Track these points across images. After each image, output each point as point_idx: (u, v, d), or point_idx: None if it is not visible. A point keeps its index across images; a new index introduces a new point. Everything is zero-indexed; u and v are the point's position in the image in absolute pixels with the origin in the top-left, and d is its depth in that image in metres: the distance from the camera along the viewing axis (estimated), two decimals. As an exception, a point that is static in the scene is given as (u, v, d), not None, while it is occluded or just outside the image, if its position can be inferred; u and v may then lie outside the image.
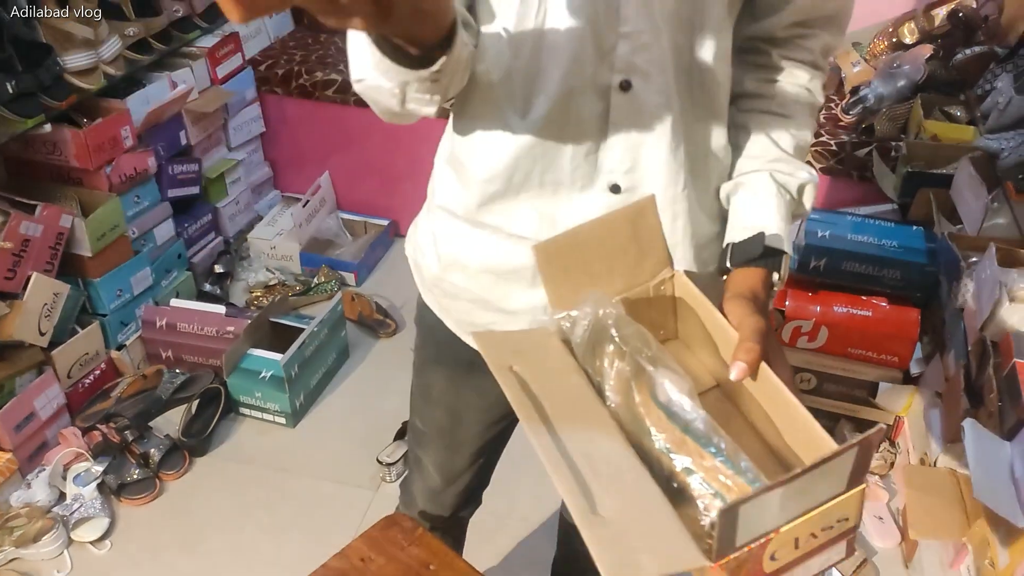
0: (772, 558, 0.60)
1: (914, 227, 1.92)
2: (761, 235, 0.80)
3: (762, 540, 0.58)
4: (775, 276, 0.81)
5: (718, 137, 0.85)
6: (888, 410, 1.88)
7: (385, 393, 2.13)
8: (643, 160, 0.81)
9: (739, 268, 0.80)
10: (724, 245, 0.84)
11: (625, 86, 0.77)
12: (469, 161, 0.85)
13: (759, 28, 0.85)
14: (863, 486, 0.61)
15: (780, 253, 0.81)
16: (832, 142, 2.13)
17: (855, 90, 2.19)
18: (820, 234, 1.91)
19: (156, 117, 2.14)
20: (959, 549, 1.43)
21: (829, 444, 0.62)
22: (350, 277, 2.49)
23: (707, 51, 0.78)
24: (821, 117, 2.23)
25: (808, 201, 0.88)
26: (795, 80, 0.87)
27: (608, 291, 0.73)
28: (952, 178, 1.86)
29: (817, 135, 2.15)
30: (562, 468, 0.60)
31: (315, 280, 2.43)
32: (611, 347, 0.68)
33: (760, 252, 0.80)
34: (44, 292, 1.82)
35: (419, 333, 1.06)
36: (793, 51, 0.86)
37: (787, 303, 1.89)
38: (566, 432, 0.63)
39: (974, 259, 1.61)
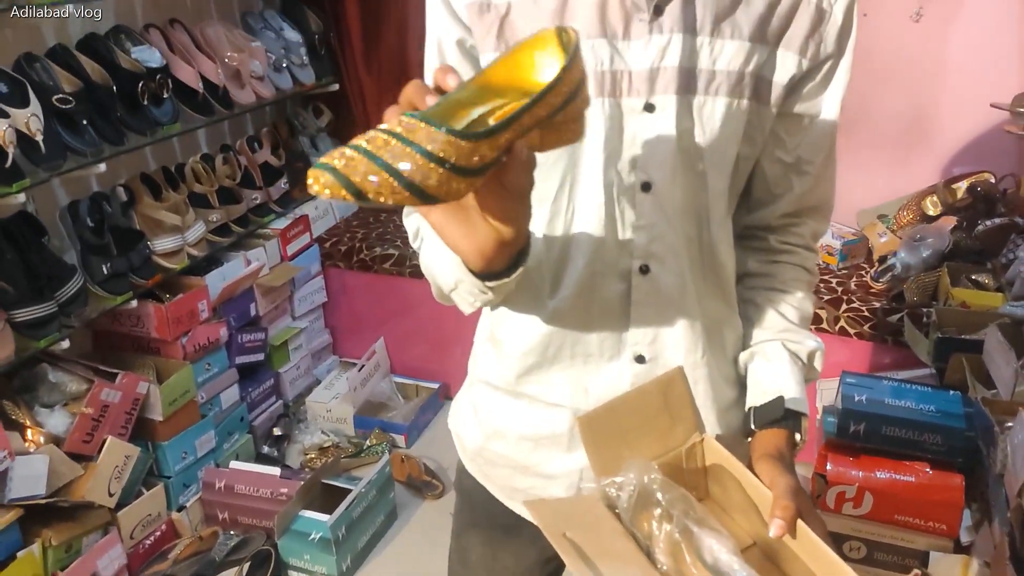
0: None
1: (951, 392, 1.94)
2: (781, 399, 0.88)
3: None
4: (797, 436, 0.87)
5: (729, 310, 0.96)
6: (942, 581, 1.82)
7: (431, 556, 2.14)
8: (664, 333, 0.90)
9: (763, 430, 0.87)
10: (746, 409, 0.92)
11: (644, 270, 0.87)
12: (506, 338, 0.95)
13: (755, 218, 0.97)
14: None
15: (800, 415, 0.88)
16: (864, 308, 2.20)
17: (883, 259, 2.29)
18: (858, 398, 1.94)
19: (230, 291, 2.35)
20: None
21: None
22: (400, 439, 2.58)
23: (714, 239, 0.90)
24: (852, 284, 2.31)
25: (818, 365, 0.96)
26: (792, 260, 0.98)
27: (645, 457, 0.80)
28: (983, 343, 1.90)
29: (849, 301, 2.23)
30: None
31: (367, 442, 2.52)
32: (658, 511, 0.73)
33: (782, 414, 0.87)
34: (117, 455, 1.95)
35: (458, 498, 1.12)
36: (787, 236, 0.98)
37: (828, 468, 1.89)
38: None
39: (1009, 424, 1.63)
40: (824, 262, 2.46)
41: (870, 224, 2.43)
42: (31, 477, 1.76)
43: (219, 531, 2.15)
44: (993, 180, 2.28)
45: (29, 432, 1.81)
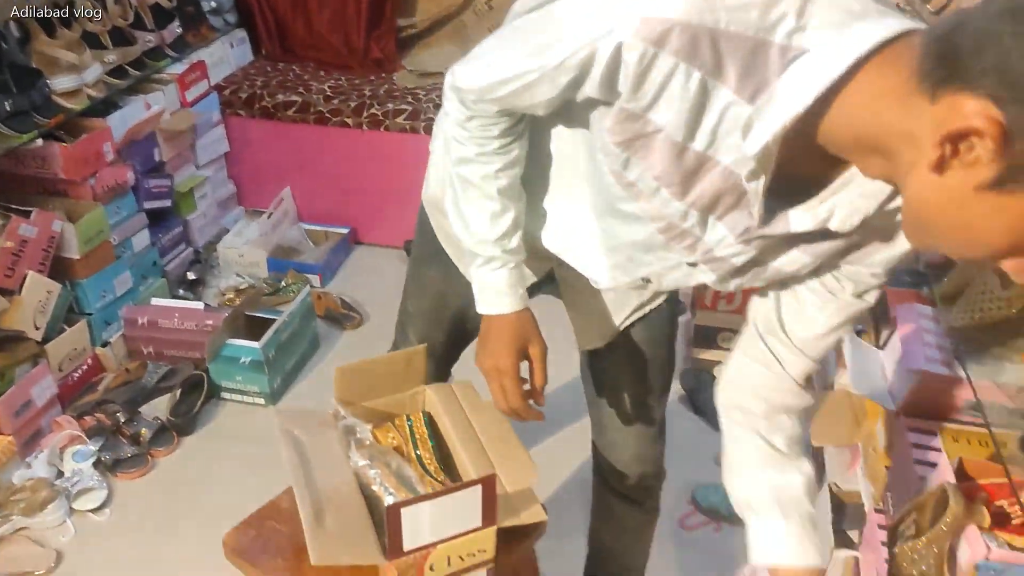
0: (431, 568, 0.91)
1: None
2: None
3: (423, 551, 0.88)
4: None
5: None
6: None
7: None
8: None
9: None
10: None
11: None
12: None
13: None
14: (494, 527, 0.91)
15: None
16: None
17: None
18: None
19: (133, 135, 2.35)
20: (854, 453, 1.70)
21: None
22: (315, 279, 2.69)
23: None
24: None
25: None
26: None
27: (381, 394, 1.10)
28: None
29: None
30: (305, 497, 0.92)
31: (283, 283, 2.63)
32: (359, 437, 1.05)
33: None
34: (39, 289, 1.99)
35: (419, 233, 1.25)
36: None
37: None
38: (320, 476, 0.96)
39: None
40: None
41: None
42: (-43, 307, 1.79)
43: (147, 363, 2.24)
44: None
45: (-51, 264, 1.82)
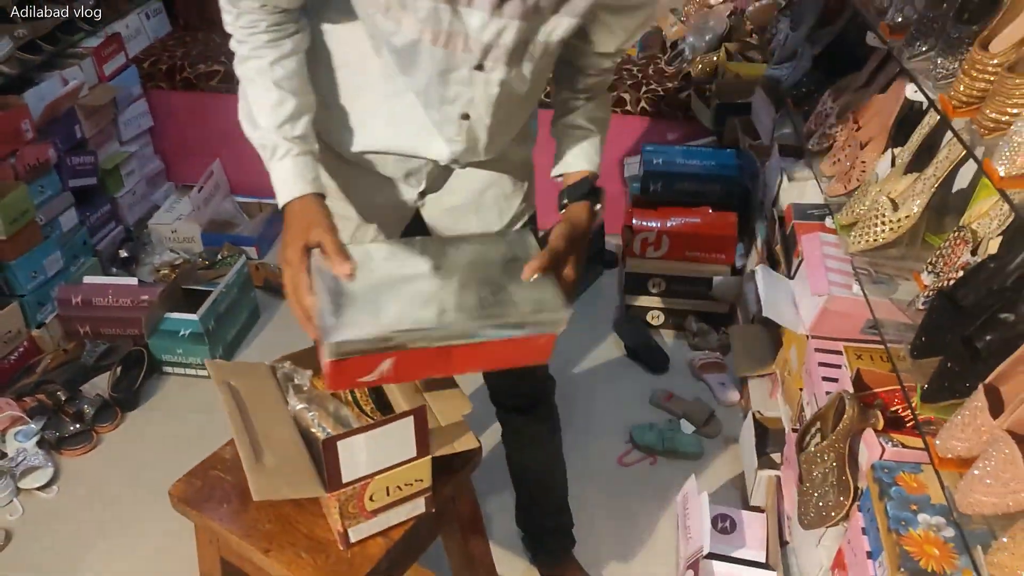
0: (371, 499, 0.96)
1: (727, 150, 2.33)
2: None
3: (363, 482, 0.93)
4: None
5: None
6: (723, 300, 2.28)
7: (298, 345, 2.34)
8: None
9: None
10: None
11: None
12: None
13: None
14: (429, 457, 0.97)
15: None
16: (660, 89, 2.52)
17: (674, 45, 2.60)
18: (655, 162, 2.29)
19: (52, 111, 2.30)
20: (774, 381, 1.81)
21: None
22: (251, 251, 2.69)
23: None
24: (650, 70, 2.62)
25: None
26: None
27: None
28: (751, 106, 2.27)
29: (647, 84, 2.54)
30: (244, 438, 0.96)
31: (219, 256, 2.62)
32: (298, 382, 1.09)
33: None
34: (-35, 272, 1.96)
35: None
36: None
37: (634, 222, 2.25)
38: (259, 419, 1.00)
39: (768, 161, 2.02)
40: (626, 54, 2.75)
41: (662, 17, 2.72)
42: None
43: (85, 342, 2.22)
44: (761, -31, 2.60)
45: None
